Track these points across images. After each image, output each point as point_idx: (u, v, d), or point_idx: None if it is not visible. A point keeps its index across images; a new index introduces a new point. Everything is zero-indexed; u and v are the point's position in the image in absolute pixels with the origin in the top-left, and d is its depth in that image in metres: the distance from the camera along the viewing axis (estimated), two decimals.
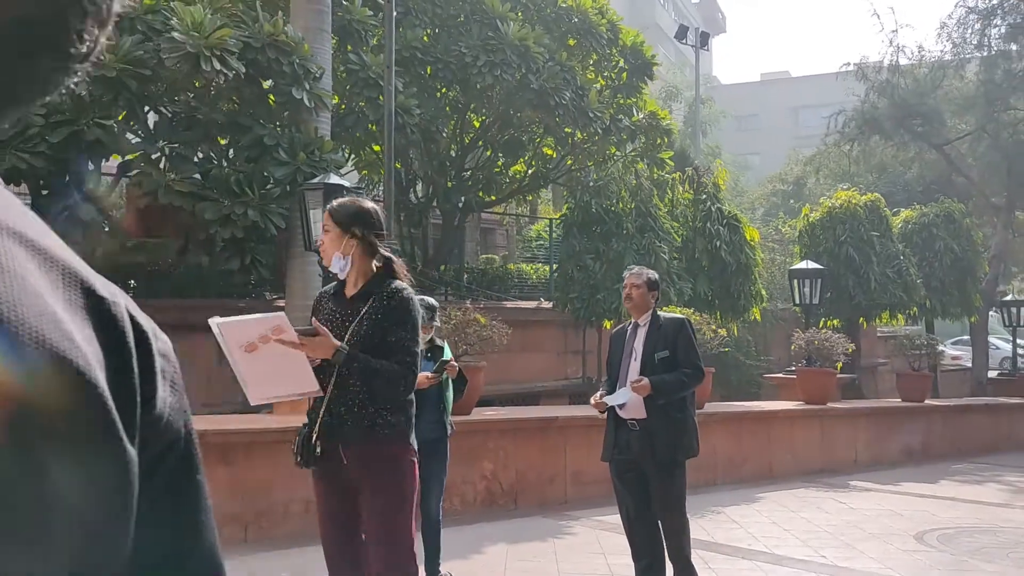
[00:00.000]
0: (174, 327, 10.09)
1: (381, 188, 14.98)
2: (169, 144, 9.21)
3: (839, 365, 12.10)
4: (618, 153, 14.00)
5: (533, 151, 14.07)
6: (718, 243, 12.43)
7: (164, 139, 9.31)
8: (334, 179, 8.02)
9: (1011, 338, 19.19)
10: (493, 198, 14.54)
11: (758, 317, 13.41)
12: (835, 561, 6.40)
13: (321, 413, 3.15)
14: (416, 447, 3.29)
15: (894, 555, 6.63)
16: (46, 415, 0.48)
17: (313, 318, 3.24)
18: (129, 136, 9.47)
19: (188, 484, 0.63)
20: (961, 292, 17.28)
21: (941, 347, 15.19)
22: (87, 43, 0.54)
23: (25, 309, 0.49)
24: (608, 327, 12.80)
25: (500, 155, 13.94)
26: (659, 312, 4.94)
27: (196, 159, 9.51)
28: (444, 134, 12.95)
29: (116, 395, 0.53)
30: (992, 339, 23.82)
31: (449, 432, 5.17)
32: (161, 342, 0.63)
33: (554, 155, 14.38)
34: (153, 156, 9.26)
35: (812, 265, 13.60)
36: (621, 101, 13.72)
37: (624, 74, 13.92)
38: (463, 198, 13.54)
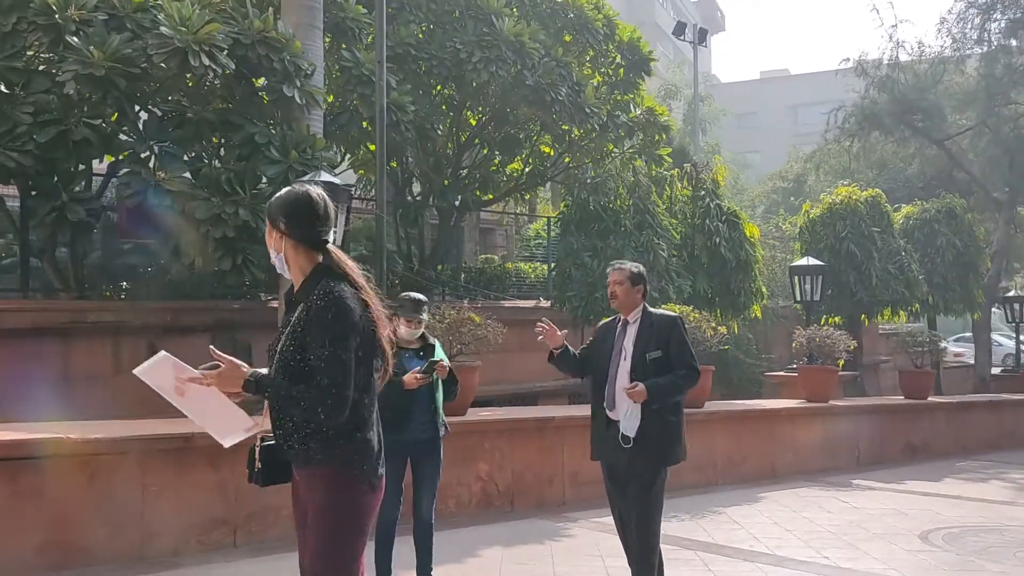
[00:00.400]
0: (167, 329, 9.95)
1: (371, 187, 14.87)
2: (159, 143, 9.05)
3: (841, 362, 11.96)
4: (616, 150, 13.85)
5: (530, 149, 13.91)
6: (717, 240, 12.28)
7: (154, 138, 9.15)
8: (326, 176, 7.87)
9: (1014, 334, 19.06)
10: (490, 197, 14.39)
11: (759, 314, 13.26)
12: (838, 562, 6.26)
13: (260, 437, 2.95)
14: (378, 468, 2.86)
15: (899, 555, 6.49)
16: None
17: (212, 347, 2.90)
18: (119, 136, 9.32)
19: None
20: (963, 288, 17.15)
21: (943, 344, 15.04)
22: None
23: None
24: None
25: (497, 153, 13.79)
26: (650, 309, 4.70)
27: (186, 158, 9.37)
28: (440, 132, 12.79)
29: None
30: (994, 336, 23.68)
31: (443, 433, 5.01)
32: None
33: (551, 153, 14.22)
34: (143, 155, 9.11)
35: (813, 261, 13.47)
36: (618, 97, 13.57)
37: (621, 70, 13.76)
38: (460, 197, 13.38)
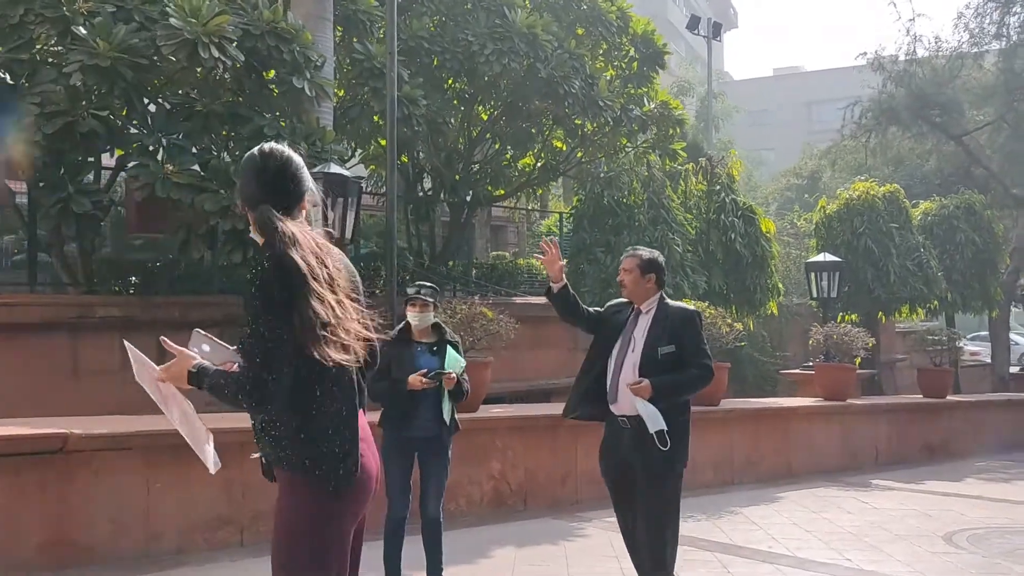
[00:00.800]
0: (176, 325, 9.85)
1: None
2: (167, 135, 8.94)
3: (858, 360, 11.75)
4: (629, 145, 13.67)
5: (542, 143, 13.75)
6: (733, 235, 12.09)
7: (162, 130, 9.04)
8: (335, 168, 7.74)
9: None
10: (502, 192, 14.24)
11: (775, 311, 13.06)
12: (861, 564, 6.08)
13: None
14: (341, 472, 2.41)
15: (923, 558, 6.30)
16: None
17: (163, 338, 2.55)
18: (128, 128, 9.21)
19: None
20: (982, 285, 16.91)
21: (962, 342, 14.81)
22: None
23: None
24: None
25: (508, 148, 13.64)
26: (668, 301, 4.33)
27: (195, 150, 9.25)
28: (451, 126, 12.64)
29: None
30: (1012, 335, 23.38)
31: (453, 430, 4.84)
32: None
33: (564, 148, 14.06)
34: (151, 148, 9.00)
35: (830, 258, 13.25)
36: (632, 91, 13.39)
37: (635, 63, 13.60)
38: (471, 192, 13.23)
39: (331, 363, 2.35)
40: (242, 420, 7.04)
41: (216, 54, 8.51)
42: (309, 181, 2.62)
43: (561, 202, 20.48)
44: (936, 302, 15.75)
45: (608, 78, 13.00)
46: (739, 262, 12.22)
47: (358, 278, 2.68)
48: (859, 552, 6.41)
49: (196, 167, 9.10)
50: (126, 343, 2.65)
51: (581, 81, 11.83)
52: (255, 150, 2.57)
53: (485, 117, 13.23)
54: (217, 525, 5.91)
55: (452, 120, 12.73)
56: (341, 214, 7.49)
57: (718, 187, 12.65)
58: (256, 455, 2.61)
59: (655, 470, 4.13)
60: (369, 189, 13.89)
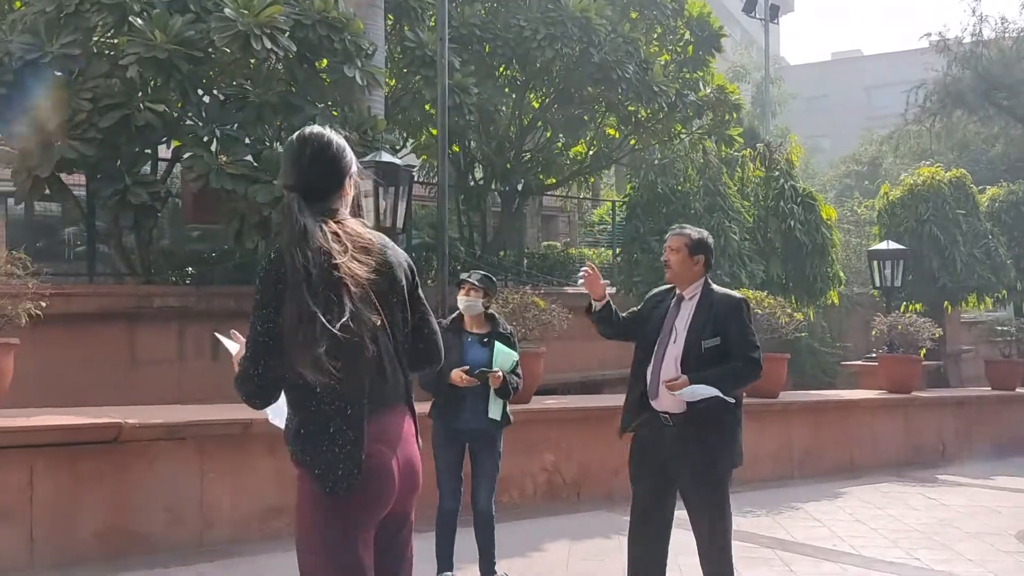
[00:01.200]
0: (231, 314, 9.90)
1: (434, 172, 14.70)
2: (221, 126, 8.98)
3: (923, 352, 11.37)
4: (684, 131, 13.39)
5: (595, 130, 13.54)
6: (792, 223, 11.76)
7: (216, 121, 9.09)
8: (386, 157, 7.68)
9: None
10: (553, 180, 14.07)
11: (836, 300, 12.70)
12: (930, 564, 5.83)
13: None
14: (339, 471, 2.28)
15: (996, 557, 6.03)
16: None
17: (218, 332, 2.63)
18: (184, 120, 9.28)
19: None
20: None
21: None
22: None
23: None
24: None
25: (560, 135, 13.46)
26: (713, 287, 4.00)
27: (248, 141, 9.28)
28: (502, 114, 12.51)
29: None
30: None
31: (503, 423, 4.73)
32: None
33: (617, 135, 13.83)
34: (205, 139, 9.06)
35: (893, 245, 12.83)
36: (687, 75, 13.10)
37: (690, 47, 13.29)
38: (522, 181, 13.10)
39: (298, 378, 2.25)
40: None
41: (268, 44, 8.51)
42: (353, 165, 2.53)
43: (613, 191, 20.24)
44: (1005, 291, 15.20)
45: (663, 63, 12.74)
46: (799, 250, 11.90)
47: (402, 273, 2.50)
48: (928, 551, 6.16)
49: (249, 157, 9.13)
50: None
51: (635, 66, 11.59)
52: (295, 135, 2.49)
53: (537, 105, 13.07)
54: (270, 515, 5.90)
55: (503, 108, 12.60)
56: (392, 203, 7.43)
57: (776, 173, 12.32)
58: None
59: (702, 477, 3.84)
60: (421, 179, 13.85)
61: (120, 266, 10.11)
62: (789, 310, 9.58)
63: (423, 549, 4.93)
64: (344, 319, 2.23)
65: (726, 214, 11.36)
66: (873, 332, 11.40)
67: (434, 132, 11.72)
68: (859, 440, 10.01)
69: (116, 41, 9.11)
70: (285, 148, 2.50)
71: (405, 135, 12.62)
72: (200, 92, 9.43)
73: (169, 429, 5.48)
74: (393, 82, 11.48)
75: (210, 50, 8.94)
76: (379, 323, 2.36)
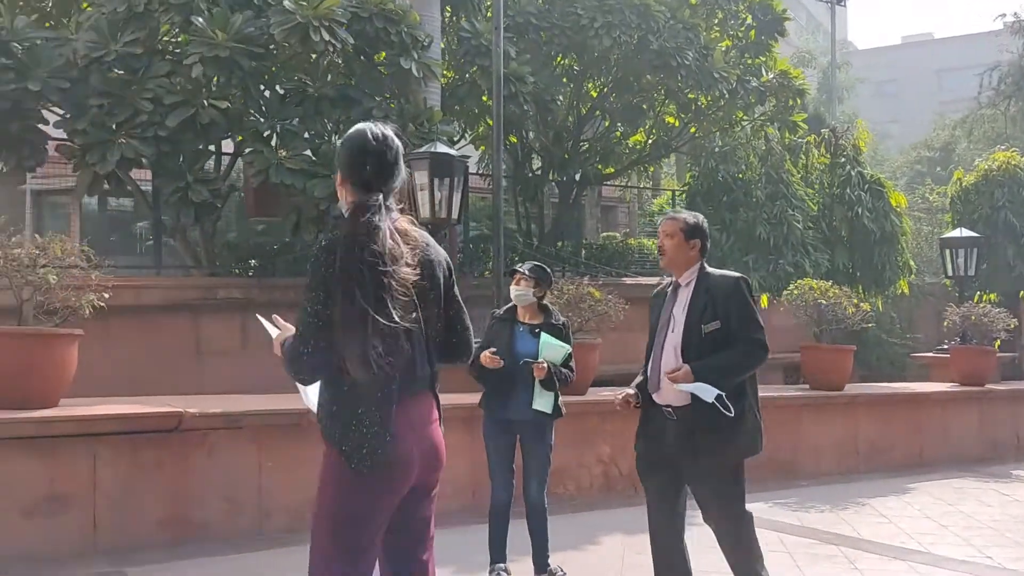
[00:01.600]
0: (292, 305, 10.01)
1: (504, 164, 14.67)
2: (281, 121, 9.09)
3: (997, 343, 10.94)
4: (746, 119, 13.11)
5: (654, 119, 13.34)
6: (859, 210, 11.42)
7: (276, 116, 9.20)
8: (441, 148, 7.66)
9: None
10: (611, 170, 13.91)
11: (906, 290, 12.30)
12: (1003, 563, 5.59)
13: None
14: (365, 452, 2.40)
15: None
16: None
17: (260, 316, 2.79)
18: (246, 117, 9.41)
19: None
20: None
21: None
22: None
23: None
24: None
25: (619, 124, 13.30)
26: (709, 269, 3.80)
27: (307, 135, 9.38)
28: (559, 103, 12.41)
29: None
30: None
31: (555, 415, 4.66)
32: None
33: (676, 124, 13.60)
34: (265, 134, 9.18)
35: (967, 233, 12.35)
36: (749, 61, 12.81)
37: (752, 32, 12.98)
38: (580, 170, 12.98)
39: (340, 362, 2.41)
40: None
41: (327, 37, 8.59)
42: (403, 169, 2.65)
43: (674, 180, 19.95)
44: None
45: (723, 48, 12.47)
46: (866, 238, 11.55)
47: (441, 271, 2.65)
48: (1001, 549, 5.91)
49: (308, 152, 9.24)
50: (259, 316, 2.87)
51: (695, 52, 11.37)
52: (365, 129, 2.59)
53: (595, 94, 12.94)
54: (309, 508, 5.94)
55: (560, 97, 12.50)
56: (447, 194, 7.41)
57: (843, 159, 11.98)
58: None
59: (709, 468, 3.67)
60: (479, 170, 13.84)
61: (186, 259, 10.33)
62: (855, 300, 9.31)
63: (476, 541, 4.93)
64: (392, 319, 2.39)
65: (789, 202, 11.10)
66: (945, 323, 11.00)
67: (491, 123, 11.72)
68: (929, 434, 9.68)
69: (180, 39, 9.29)
70: (353, 143, 2.58)
71: (463, 126, 12.62)
72: (261, 88, 9.57)
73: (228, 418, 5.56)
74: (451, 73, 11.48)
75: (271, 46, 9.06)
76: (415, 318, 2.49)
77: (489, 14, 10.66)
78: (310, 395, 2.69)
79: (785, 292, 9.43)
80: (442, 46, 11.20)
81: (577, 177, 13.23)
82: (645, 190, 19.12)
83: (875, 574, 5.29)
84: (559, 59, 12.15)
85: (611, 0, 11.04)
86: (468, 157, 8.45)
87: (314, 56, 9.13)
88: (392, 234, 2.46)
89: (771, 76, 12.83)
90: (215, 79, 8.99)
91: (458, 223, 7.96)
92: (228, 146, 10.20)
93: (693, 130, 13.28)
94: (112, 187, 9.32)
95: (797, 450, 8.49)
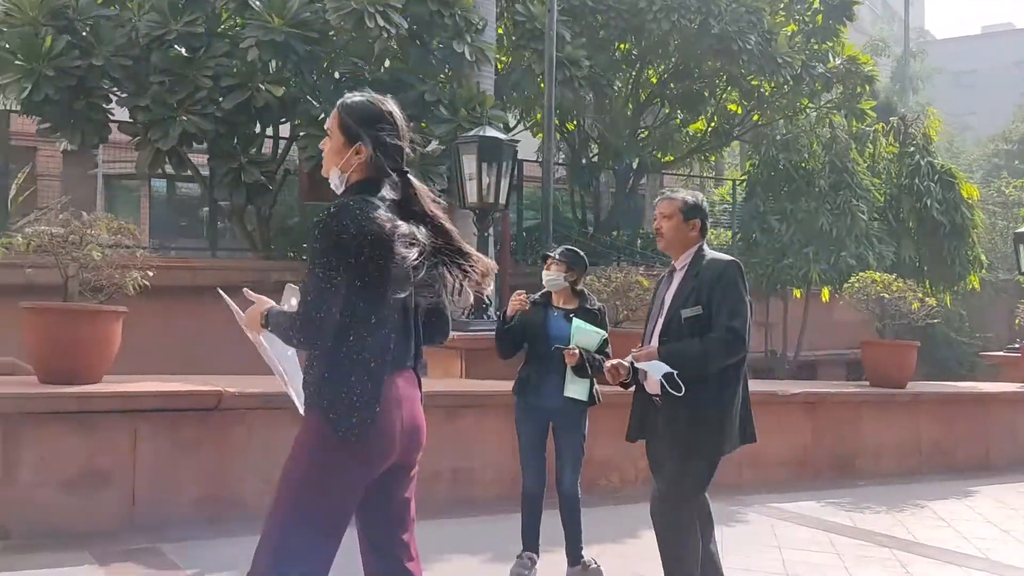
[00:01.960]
0: None
1: (559, 151, 14.50)
2: (332, 105, 9.10)
3: None
4: (811, 105, 12.70)
5: (715, 106, 13.02)
6: (928, 201, 10.97)
7: (330, 101, 9.22)
8: (491, 132, 7.56)
9: None
10: (671, 158, 13.64)
11: (976, 285, 11.79)
12: None
13: None
14: (354, 420, 2.38)
15: None
16: None
17: (245, 289, 2.70)
18: (302, 101, 9.45)
19: None
20: None
21: None
22: None
23: None
24: (798, 296, 11.69)
25: (678, 111, 13.01)
26: (706, 252, 3.60)
27: None
28: (616, 89, 12.19)
29: None
30: None
31: (589, 403, 4.51)
32: None
33: (739, 111, 13.26)
34: (319, 118, 9.21)
35: None
36: (815, 46, 12.40)
37: (819, 16, 12.57)
38: (636, 158, 12.73)
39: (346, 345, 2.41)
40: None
41: (381, 22, 8.56)
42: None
43: (738, 170, 19.53)
44: None
45: (788, 33, 12.09)
46: (935, 231, 11.11)
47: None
48: None
49: None
50: (220, 292, 2.82)
51: (757, 37, 11.04)
52: (382, 101, 2.62)
53: (655, 81, 12.68)
54: None
55: (618, 83, 12.28)
56: (495, 179, 7.30)
57: (912, 149, 11.52)
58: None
59: (679, 450, 3.51)
60: (537, 158, 13.71)
61: (242, 241, 10.46)
62: (920, 295, 8.92)
63: (515, 529, 4.83)
64: (394, 293, 2.44)
65: (853, 192, 10.71)
66: (1017, 321, 10.52)
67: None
68: (997, 436, 9.25)
69: (238, 22, 9.37)
70: (368, 108, 2.58)
71: (520, 112, 12.50)
72: (315, 73, 9.60)
73: (266, 398, 5.54)
74: (507, 58, 11.37)
75: (331, 33, 9.08)
76: (408, 295, 2.52)
77: None
78: (288, 369, 2.66)
79: (846, 285, 9.10)
80: (500, 31, 11.09)
81: (635, 165, 13.00)
82: (707, 179, 18.75)
83: None
84: (622, 46, 11.92)
85: None
86: (518, 141, 8.32)
87: (369, 40, 9.12)
88: (395, 209, 2.47)
89: (838, 62, 12.42)
90: (270, 62, 9.04)
91: (505, 208, 7.84)
92: (286, 131, 10.28)
93: (756, 117, 12.93)
94: (174, 164, 9.47)
95: (855, 449, 8.19)
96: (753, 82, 11.97)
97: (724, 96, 12.84)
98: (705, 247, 3.65)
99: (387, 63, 9.80)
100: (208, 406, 5.34)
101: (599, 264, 8.97)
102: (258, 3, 8.78)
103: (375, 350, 2.42)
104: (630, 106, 12.73)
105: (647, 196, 18.14)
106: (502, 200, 7.43)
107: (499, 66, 11.08)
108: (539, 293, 4.63)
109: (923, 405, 8.83)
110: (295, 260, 10.64)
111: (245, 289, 2.67)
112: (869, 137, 11.84)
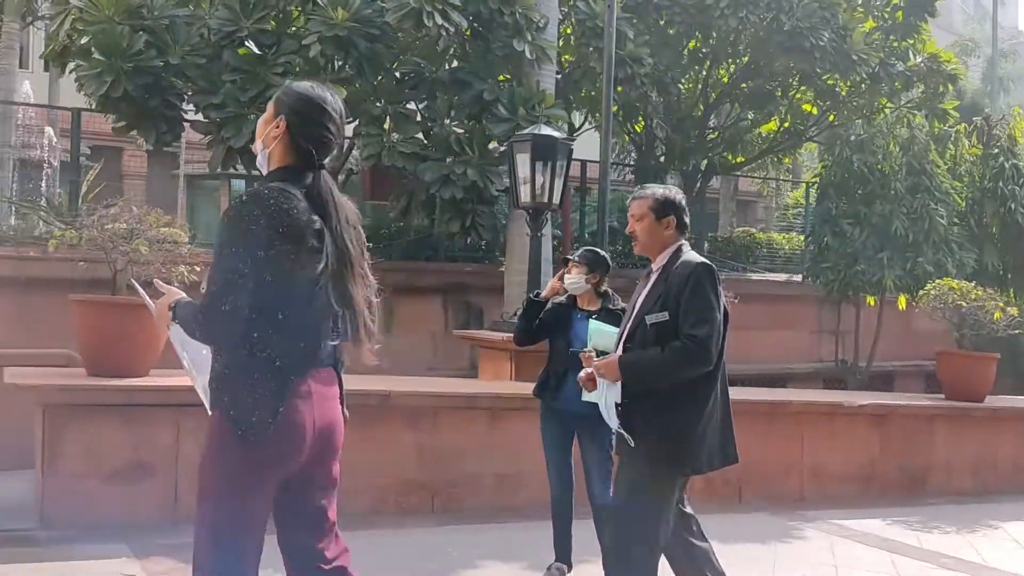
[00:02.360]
0: (403, 289, 10.00)
1: (632, 152, 14.25)
2: (393, 105, 9.10)
3: None
4: (891, 105, 12.19)
5: (788, 105, 12.61)
6: (1013, 206, 10.42)
7: (391, 100, 9.22)
8: (546, 130, 7.41)
9: None
10: (740, 160, 13.27)
11: None
12: None
13: None
14: (256, 417, 2.29)
15: None
16: None
17: (156, 280, 2.65)
18: (362, 98, 9.48)
19: None
20: None
21: None
22: None
23: None
24: (871, 303, 11.23)
25: (748, 111, 12.65)
26: (683, 253, 3.28)
27: (419, 118, 9.35)
28: (682, 87, 11.90)
29: None
30: None
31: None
32: None
33: (814, 111, 12.82)
34: (379, 117, 9.22)
35: None
36: (895, 44, 11.89)
37: (899, 13, 12.04)
38: (704, 160, 12.42)
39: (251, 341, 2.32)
40: (437, 386, 6.91)
41: (440, 21, 8.50)
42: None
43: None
44: None
45: (866, 30, 11.62)
46: (1020, 237, 10.54)
47: (358, 245, 2.57)
48: None
49: (419, 135, 9.21)
50: (132, 281, 2.87)
51: (831, 33, 10.62)
52: (326, 94, 2.51)
53: (726, 80, 12.35)
54: (408, 489, 5.86)
55: (685, 83, 12.00)
56: (549, 179, 7.15)
57: (996, 151, 10.94)
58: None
59: (626, 476, 3.29)
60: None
61: None
62: (1002, 304, 8.44)
63: (542, 537, 4.68)
64: (310, 287, 2.36)
65: (932, 195, 10.21)
66: None
67: (614, 109, 11.38)
68: None
69: (303, 20, 9.44)
70: (312, 101, 2.49)
71: (585, 112, 12.33)
72: (377, 71, 9.61)
73: None
74: (571, 57, 11.21)
75: (392, 30, 9.07)
76: (327, 290, 2.43)
77: None
78: (197, 363, 2.54)
79: (921, 292, 8.68)
80: (568, 31, 10.96)
81: (702, 167, 12.69)
82: (782, 182, 18.25)
83: None
84: (692, 44, 11.65)
85: None
86: (573, 140, 8.17)
87: (426, 39, 9.08)
88: (320, 200, 2.40)
89: (919, 60, 11.89)
90: (334, 59, 9.08)
91: (560, 207, 7.69)
92: (349, 130, 10.34)
93: (832, 118, 12.48)
94: (245, 162, 9.59)
95: (926, 465, 7.78)
96: (828, 81, 11.54)
97: (797, 96, 12.42)
98: (684, 247, 3.34)
99: (452, 63, 9.76)
100: None
101: None
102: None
103: (282, 348, 2.32)
104: (700, 107, 12.42)
105: (721, 200, 17.76)
106: (556, 200, 7.27)
107: (564, 65, 10.94)
108: (565, 295, 4.50)
109: (1004, 421, 8.36)
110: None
111: (156, 280, 2.61)
112: (950, 138, 11.31)
